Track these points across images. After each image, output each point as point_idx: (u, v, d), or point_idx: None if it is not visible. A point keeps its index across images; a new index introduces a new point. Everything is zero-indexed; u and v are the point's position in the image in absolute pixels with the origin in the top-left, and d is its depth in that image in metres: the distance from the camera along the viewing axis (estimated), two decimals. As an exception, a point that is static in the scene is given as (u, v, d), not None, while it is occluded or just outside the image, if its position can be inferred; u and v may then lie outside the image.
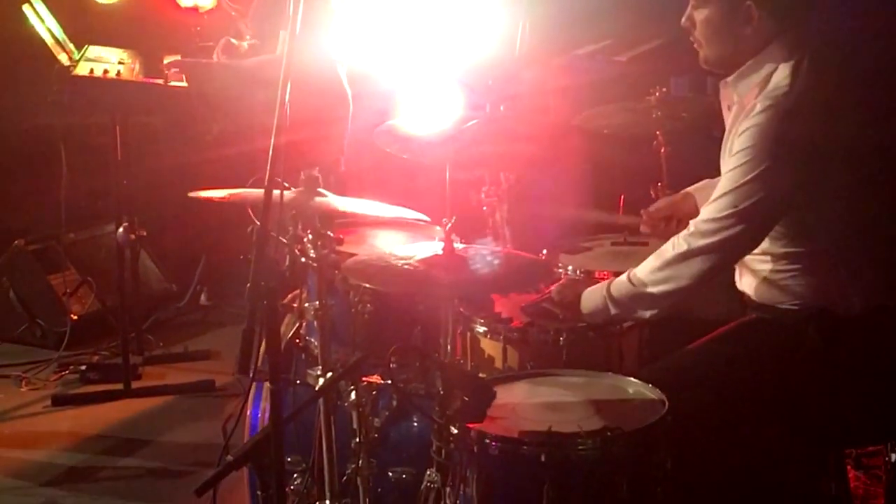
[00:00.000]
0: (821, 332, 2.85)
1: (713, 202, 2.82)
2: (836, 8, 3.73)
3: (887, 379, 2.85)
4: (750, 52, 2.88)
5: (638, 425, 2.49)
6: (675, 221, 3.28)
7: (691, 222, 2.87)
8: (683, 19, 2.96)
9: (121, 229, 4.98)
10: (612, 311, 2.92)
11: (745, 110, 2.84)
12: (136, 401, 4.98)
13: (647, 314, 2.91)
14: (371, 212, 3.02)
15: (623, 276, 2.93)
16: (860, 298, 2.85)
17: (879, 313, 2.86)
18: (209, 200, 2.88)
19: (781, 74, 2.82)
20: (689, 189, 3.37)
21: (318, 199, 2.85)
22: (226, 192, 2.89)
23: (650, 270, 2.87)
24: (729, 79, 2.96)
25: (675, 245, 2.85)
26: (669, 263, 2.83)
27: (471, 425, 2.51)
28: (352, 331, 3.11)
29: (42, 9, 4.88)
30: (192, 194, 2.91)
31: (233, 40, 4.77)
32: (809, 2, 2.93)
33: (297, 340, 3.21)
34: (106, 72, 4.74)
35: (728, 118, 3.01)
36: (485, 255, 2.86)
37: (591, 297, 2.96)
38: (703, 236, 2.81)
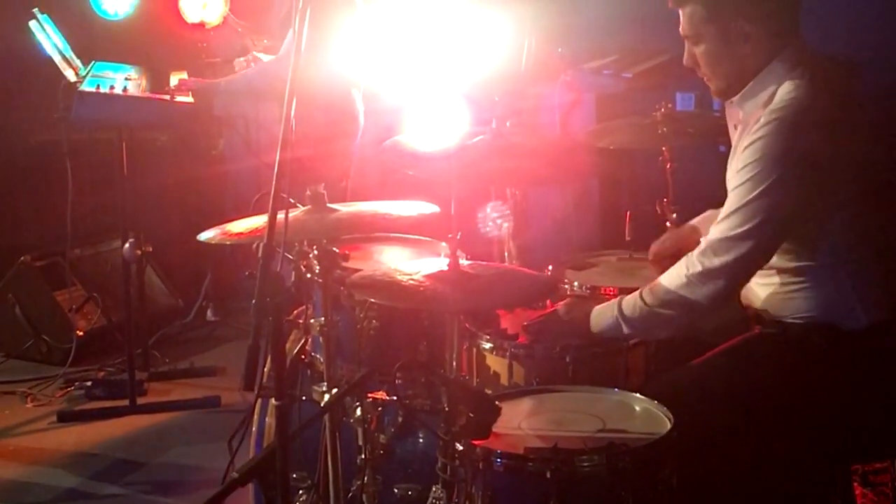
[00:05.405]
0: (826, 346, 2.84)
1: (724, 220, 2.80)
2: (834, 28, 3.74)
3: (894, 393, 2.85)
4: (752, 72, 2.88)
5: (644, 441, 2.48)
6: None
7: (703, 240, 2.85)
8: (685, 59, 2.95)
9: (127, 245, 4.99)
10: (626, 330, 2.91)
11: (750, 126, 2.84)
12: (142, 417, 4.99)
13: (662, 334, 2.90)
14: (381, 210, 2.99)
15: (635, 295, 2.91)
16: (866, 313, 2.84)
17: (885, 327, 2.85)
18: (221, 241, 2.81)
19: (786, 90, 2.81)
20: (692, 222, 3.37)
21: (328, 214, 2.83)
22: (232, 228, 2.84)
23: (664, 291, 2.85)
24: (735, 98, 2.95)
25: (690, 265, 2.82)
26: (684, 284, 2.82)
27: (476, 442, 2.51)
28: (357, 347, 3.10)
29: (49, 25, 4.90)
30: (201, 238, 2.83)
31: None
32: (797, 18, 2.92)
33: (303, 356, 3.21)
34: (112, 88, 4.77)
35: (734, 137, 3.01)
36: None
37: (602, 315, 2.95)
38: (716, 255, 2.78)
